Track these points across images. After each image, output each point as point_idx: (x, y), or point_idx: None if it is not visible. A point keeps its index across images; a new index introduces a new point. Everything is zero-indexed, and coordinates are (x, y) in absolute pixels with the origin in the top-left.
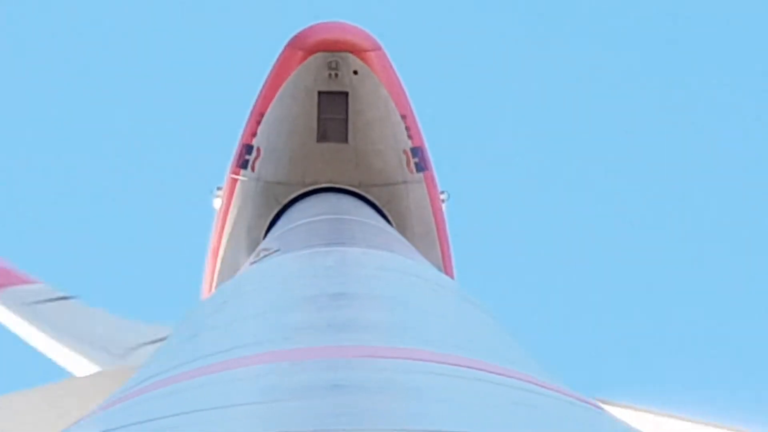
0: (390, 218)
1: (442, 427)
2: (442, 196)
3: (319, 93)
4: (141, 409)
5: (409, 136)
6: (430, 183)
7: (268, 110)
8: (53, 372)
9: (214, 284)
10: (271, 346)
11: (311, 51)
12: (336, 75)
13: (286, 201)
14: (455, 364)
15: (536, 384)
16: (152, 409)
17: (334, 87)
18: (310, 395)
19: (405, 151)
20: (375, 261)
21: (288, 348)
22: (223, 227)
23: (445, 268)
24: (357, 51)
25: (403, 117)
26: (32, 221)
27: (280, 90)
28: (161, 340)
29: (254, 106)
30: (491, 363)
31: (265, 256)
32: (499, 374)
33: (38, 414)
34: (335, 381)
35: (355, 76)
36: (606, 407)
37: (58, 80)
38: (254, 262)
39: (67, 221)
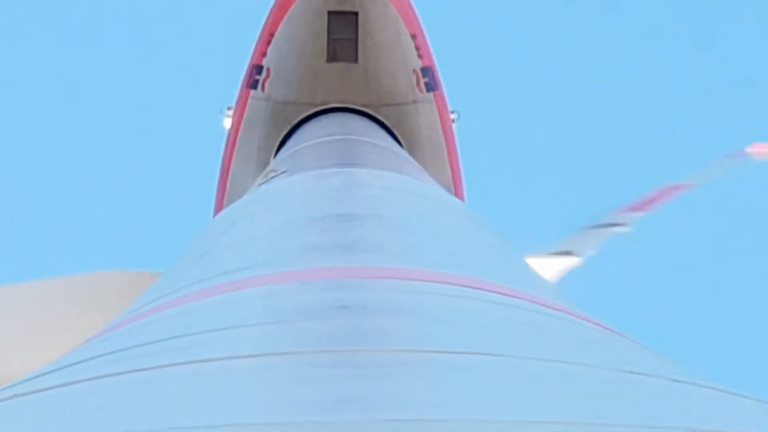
0: (400, 138)
1: (448, 347)
2: (452, 116)
3: (329, 13)
4: (150, 329)
5: (419, 56)
6: (441, 103)
7: (278, 30)
8: None
9: (224, 203)
10: (279, 266)
11: None
12: None
13: (295, 121)
14: (462, 285)
15: (542, 304)
16: (161, 329)
17: (344, 7)
18: (317, 315)
19: (415, 71)
20: (383, 182)
21: (296, 268)
22: (233, 147)
23: (455, 188)
24: None
25: (413, 36)
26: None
27: (290, 10)
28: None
29: (264, 27)
30: (497, 283)
31: (273, 177)
32: (506, 294)
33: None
34: (342, 301)
35: None
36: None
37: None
38: (263, 183)
39: (79, 142)
